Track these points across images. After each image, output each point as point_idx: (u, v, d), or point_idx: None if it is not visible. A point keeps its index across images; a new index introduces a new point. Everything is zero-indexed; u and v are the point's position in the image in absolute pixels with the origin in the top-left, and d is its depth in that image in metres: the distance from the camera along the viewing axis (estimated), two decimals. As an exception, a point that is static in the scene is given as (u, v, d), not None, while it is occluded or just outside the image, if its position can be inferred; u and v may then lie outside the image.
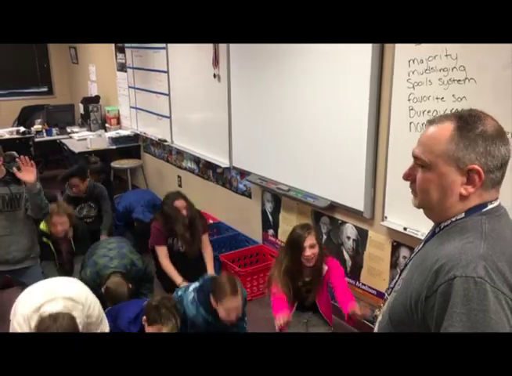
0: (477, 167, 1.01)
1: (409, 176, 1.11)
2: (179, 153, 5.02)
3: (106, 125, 6.32)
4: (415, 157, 1.09)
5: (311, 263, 2.60)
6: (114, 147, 5.79)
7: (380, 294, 2.89)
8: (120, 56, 5.83)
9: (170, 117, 4.97)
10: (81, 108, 6.62)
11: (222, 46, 3.82)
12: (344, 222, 3.09)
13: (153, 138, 5.47)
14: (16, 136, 5.96)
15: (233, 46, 3.70)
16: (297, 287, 2.67)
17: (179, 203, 3.53)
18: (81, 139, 5.85)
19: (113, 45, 5.92)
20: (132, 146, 5.89)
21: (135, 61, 5.49)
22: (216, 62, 3.93)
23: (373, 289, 2.95)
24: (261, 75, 3.45)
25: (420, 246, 1.17)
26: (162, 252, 3.48)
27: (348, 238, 3.08)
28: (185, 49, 4.40)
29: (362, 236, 2.96)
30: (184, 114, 4.74)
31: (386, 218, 2.74)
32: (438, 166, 1.05)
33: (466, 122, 1.04)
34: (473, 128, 1.02)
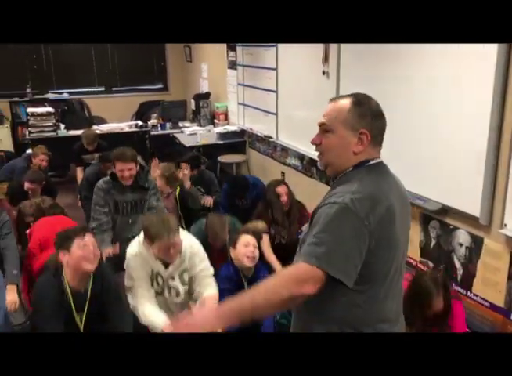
0: (365, 131, 1.40)
1: (317, 141, 1.45)
2: (284, 149, 5.07)
3: (215, 121, 6.58)
4: (322, 124, 1.44)
5: None
6: (221, 142, 6.02)
7: (494, 307, 2.67)
8: (231, 54, 6.03)
9: (276, 114, 5.04)
10: (192, 104, 6.96)
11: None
12: (456, 228, 2.90)
13: (258, 134, 5.59)
14: (134, 130, 6.43)
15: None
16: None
17: (281, 189, 3.60)
18: (191, 134, 6.15)
19: (225, 43, 6.13)
20: (238, 141, 6.07)
21: (246, 59, 5.64)
22: (326, 58, 3.90)
23: (487, 301, 2.74)
24: (373, 73, 3.36)
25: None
26: (264, 241, 3.54)
27: (460, 245, 2.88)
28: (295, 46, 4.41)
29: (477, 243, 2.75)
30: (290, 111, 4.77)
31: (506, 225, 2.52)
32: (338, 130, 1.40)
33: (358, 100, 1.42)
34: (364, 104, 1.42)
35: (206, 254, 2.65)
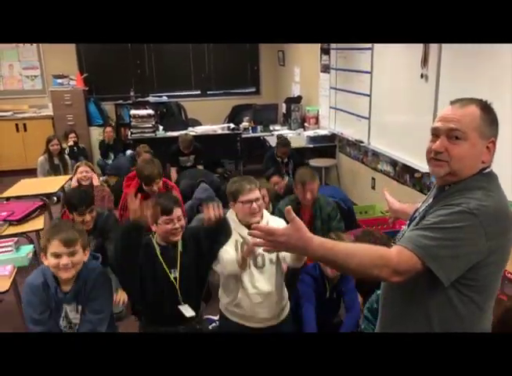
0: (494, 139, 1.37)
1: (442, 148, 1.35)
2: (375, 154, 4.93)
3: (305, 124, 6.57)
4: (452, 130, 1.33)
5: None
6: (311, 146, 6.00)
7: None
8: (324, 57, 5.99)
9: (369, 118, 4.92)
10: (283, 107, 7.02)
11: (434, 44, 3.61)
12: None
13: (349, 138, 5.49)
14: (226, 132, 6.61)
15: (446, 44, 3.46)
16: None
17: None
18: (281, 137, 6.19)
19: (318, 47, 6.12)
20: (328, 145, 6.01)
21: (339, 62, 5.58)
22: (425, 61, 3.73)
23: None
24: (476, 76, 3.16)
25: (430, 200, 1.45)
26: None
27: None
28: (392, 49, 4.29)
29: None
30: (384, 115, 4.64)
31: None
32: (471, 138, 1.33)
33: (486, 106, 1.36)
34: (490, 111, 1.36)
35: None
